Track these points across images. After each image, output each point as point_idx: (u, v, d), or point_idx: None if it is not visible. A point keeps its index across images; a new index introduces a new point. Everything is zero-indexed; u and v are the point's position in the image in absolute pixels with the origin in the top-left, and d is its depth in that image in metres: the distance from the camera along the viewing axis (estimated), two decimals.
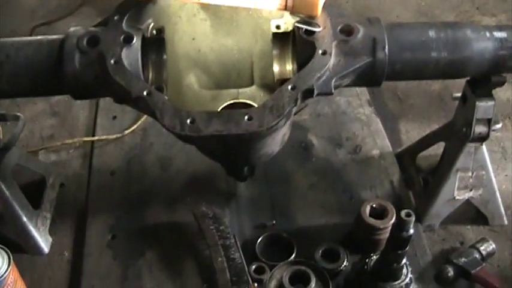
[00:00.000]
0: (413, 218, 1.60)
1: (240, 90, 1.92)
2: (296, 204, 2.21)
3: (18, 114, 2.04)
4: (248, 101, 1.87)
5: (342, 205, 2.21)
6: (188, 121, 1.56)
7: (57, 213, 2.22)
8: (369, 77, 1.75)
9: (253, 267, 1.96)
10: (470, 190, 2.08)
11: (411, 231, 1.64)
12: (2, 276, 1.65)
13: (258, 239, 2.04)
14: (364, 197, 2.22)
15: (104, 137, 2.47)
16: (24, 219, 2.02)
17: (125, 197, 2.24)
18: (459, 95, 2.02)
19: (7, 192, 1.96)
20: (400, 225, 1.63)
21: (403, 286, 1.81)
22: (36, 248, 2.09)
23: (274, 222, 2.13)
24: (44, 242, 2.10)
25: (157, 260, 2.03)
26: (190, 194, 2.22)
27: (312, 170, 2.34)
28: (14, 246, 2.01)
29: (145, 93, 1.59)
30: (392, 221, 1.93)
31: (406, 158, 2.35)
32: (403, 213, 1.61)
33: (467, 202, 2.13)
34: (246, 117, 1.55)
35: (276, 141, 1.83)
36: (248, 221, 2.15)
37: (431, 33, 1.77)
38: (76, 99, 1.77)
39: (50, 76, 1.71)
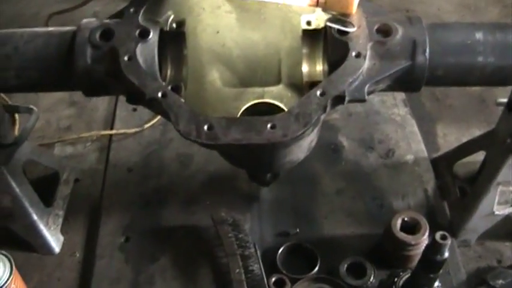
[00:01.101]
0: (449, 241, 1.45)
1: (266, 88, 1.77)
2: (322, 211, 2.08)
3: (32, 107, 1.93)
4: (274, 102, 1.71)
5: (370, 214, 2.07)
6: (205, 127, 1.43)
7: (70, 211, 2.12)
8: (407, 83, 1.59)
9: (273, 279, 1.84)
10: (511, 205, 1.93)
11: (446, 254, 1.49)
12: (3, 285, 1.55)
13: (279, 248, 1.92)
14: (396, 206, 2.08)
15: (123, 131, 2.35)
16: (35, 217, 1.93)
17: (141, 196, 2.13)
18: (504, 100, 1.84)
19: (17, 189, 1.86)
20: (434, 248, 1.48)
21: None
22: (46, 247, 1.99)
23: (297, 230, 2.00)
24: (54, 241, 2.00)
25: (171, 266, 1.92)
26: (210, 195, 2.10)
27: (340, 174, 2.20)
28: (24, 244, 1.97)
29: (159, 94, 1.46)
30: (425, 236, 1.79)
31: (442, 165, 2.19)
32: (438, 235, 1.46)
33: (507, 218, 1.96)
34: (269, 126, 1.41)
35: (302, 149, 1.69)
36: (270, 227, 2.02)
37: (478, 36, 1.59)
38: (87, 96, 1.65)
39: (60, 71, 1.59)
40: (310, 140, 1.67)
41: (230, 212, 1.96)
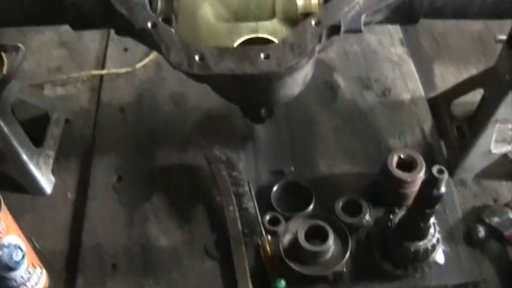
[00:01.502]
0: (446, 176, 1.42)
1: (260, 23, 1.69)
2: (318, 149, 2.05)
3: (19, 45, 1.88)
4: (268, 36, 1.65)
5: (367, 152, 2.04)
6: (197, 58, 1.38)
7: (61, 152, 2.08)
8: (405, 13, 1.54)
9: (267, 217, 1.82)
10: (509, 144, 1.90)
11: (442, 189, 1.46)
12: None
13: (274, 187, 1.89)
14: (392, 145, 2.05)
15: (114, 70, 2.30)
16: (25, 157, 1.89)
17: (134, 135, 2.09)
18: (504, 37, 1.80)
19: (6, 129, 1.81)
20: (431, 183, 1.45)
21: (429, 247, 1.65)
22: (37, 188, 1.96)
23: (292, 169, 1.97)
24: (46, 182, 1.97)
25: (165, 205, 1.90)
26: (204, 134, 2.07)
27: (336, 112, 2.16)
28: (16, 185, 1.95)
29: (149, 24, 1.41)
30: (422, 174, 1.76)
31: (439, 104, 2.16)
32: (434, 169, 1.43)
33: (505, 156, 1.94)
34: (262, 55, 1.38)
35: (297, 82, 1.65)
36: (265, 166, 1.99)
37: None
38: (75, 30, 1.60)
39: (47, 2, 1.53)
40: (304, 73, 1.63)
41: (224, 150, 1.93)
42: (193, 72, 1.39)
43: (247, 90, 1.59)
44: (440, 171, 1.42)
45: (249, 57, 1.38)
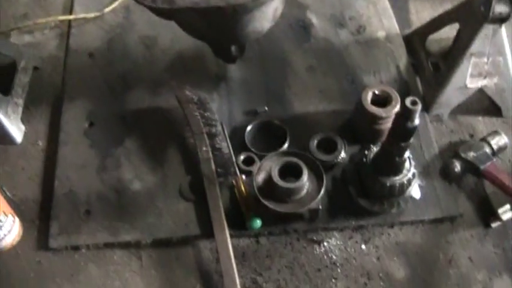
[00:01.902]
0: (419, 107, 1.40)
1: None
2: (292, 88, 2.01)
3: None
4: None
5: (342, 90, 2.01)
6: None
7: (30, 100, 2.03)
8: None
9: (242, 157, 1.80)
10: (485, 78, 1.87)
11: (416, 121, 1.44)
12: None
13: (248, 127, 1.87)
14: (367, 82, 2.02)
15: (82, 15, 2.23)
16: None
17: (104, 80, 2.04)
18: None
19: None
20: (405, 115, 1.43)
21: (405, 181, 1.64)
22: (7, 138, 1.91)
23: (266, 108, 1.93)
24: (15, 130, 1.92)
25: (137, 149, 1.86)
26: (176, 76, 2.03)
27: (311, 51, 2.12)
28: None
29: None
30: (396, 109, 1.73)
31: (415, 40, 2.12)
32: (408, 100, 1.40)
33: (480, 91, 1.92)
34: None
35: (266, 16, 1.61)
36: (238, 106, 1.96)
37: None
38: None
39: None
40: (274, 7, 1.59)
41: (196, 90, 1.90)
42: (156, 7, 1.35)
43: (215, 25, 1.55)
44: (414, 103, 1.40)
45: None
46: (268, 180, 1.63)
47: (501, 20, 1.75)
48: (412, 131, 1.48)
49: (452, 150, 1.85)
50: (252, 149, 1.82)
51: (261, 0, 1.38)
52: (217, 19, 1.48)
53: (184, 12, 1.37)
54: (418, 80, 2.05)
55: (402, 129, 1.47)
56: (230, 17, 1.48)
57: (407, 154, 1.59)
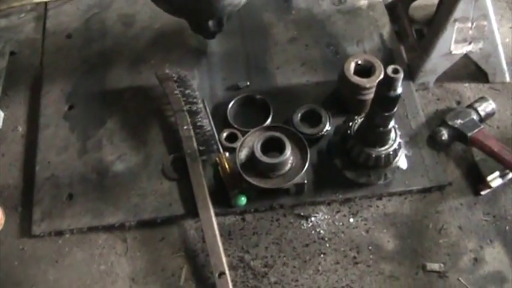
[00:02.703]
0: (401, 75, 1.36)
1: None
2: (274, 62, 1.97)
3: None
4: None
5: (325, 61, 1.97)
6: None
7: (8, 85, 1.99)
8: None
9: (224, 134, 1.77)
10: (470, 43, 1.84)
11: (399, 90, 1.41)
12: None
13: (230, 103, 1.83)
14: (351, 52, 1.98)
15: None
16: None
17: (83, 61, 2.00)
18: None
19: None
20: (387, 83, 1.40)
21: (391, 152, 1.61)
22: None
23: (248, 83, 1.90)
24: None
25: (119, 129, 1.83)
26: (156, 54, 1.99)
27: (292, 22, 2.08)
28: None
29: None
30: (380, 79, 1.70)
31: (398, 7, 2.08)
32: (389, 69, 1.37)
33: (466, 57, 1.88)
34: None
35: None
36: (220, 82, 1.92)
37: None
38: None
39: None
40: None
41: (175, 68, 1.86)
42: None
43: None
44: (396, 71, 1.37)
45: None
46: (251, 156, 1.60)
47: None
48: (395, 100, 1.44)
49: (440, 118, 1.82)
50: (235, 125, 1.78)
51: None
52: None
53: None
54: (402, 48, 2.01)
55: (385, 99, 1.44)
56: None
57: (392, 124, 1.56)
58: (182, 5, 1.58)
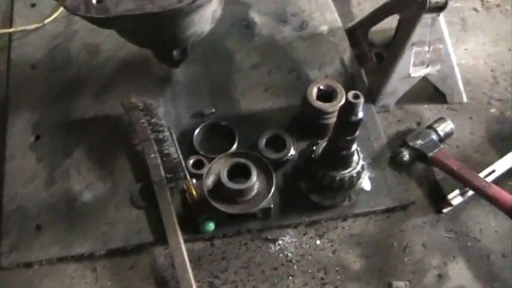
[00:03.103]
0: (361, 100, 1.40)
1: None
2: (238, 88, 2.01)
3: None
4: None
5: (288, 86, 2.01)
6: (94, 1, 1.33)
7: None
8: None
9: (191, 161, 1.79)
10: (427, 66, 1.90)
11: (360, 114, 1.45)
12: None
13: (195, 130, 1.86)
14: (313, 77, 2.03)
15: (22, 28, 2.18)
16: None
17: (48, 91, 2.00)
18: None
19: None
20: (348, 109, 1.43)
21: (354, 174, 1.65)
22: None
23: (213, 110, 1.92)
24: None
25: (86, 159, 1.84)
26: (121, 83, 2.00)
27: (254, 49, 2.12)
28: None
29: None
30: (342, 103, 1.74)
31: (357, 33, 2.14)
32: (350, 94, 1.41)
33: (425, 79, 1.95)
34: None
35: (205, 19, 1.60)
36: (185, 109, 1.94)
37: None
38: None
39: None
40: (212, 9, 1.58)
41: (141, 96, 1.88)
42: (91, 16, 1.33)
43: (154, 31, 1.54)
44: (356, 96, 1.40)
45: None
46: (218, 182, 1.62)
47: (439, 8, 1.78)
48: (356, 124, 1.48)
49: (401, 139, 1.87)
50: (201, 152, 1.81)
51: (197, 3, 1.36)
52: (154, 25, 1.47)
53: (120, 19, 1.35)
54: (363, 71, 2.06)
55: (347, 123, 1.47)
56: (168, 22, 1.47)
57: (354, 147, 1.60)
58: (146, 36, 1.60)
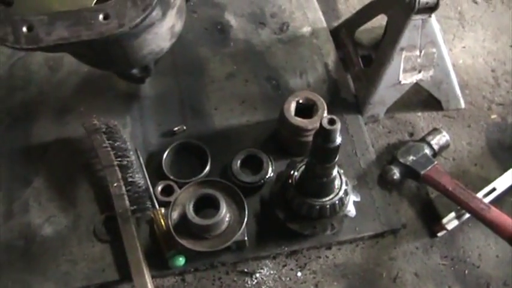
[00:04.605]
0: (338, 126, 1.23)
1: None
2: (211, 101, 1.84)
3: None
4: None
5: (266, 97, 1.84)
6: (24, 29, 1.17)
7: None
8: None
9: (159, 187, 1.64)
10: (419, 71, 1.72)
11: (338, 140, 1.27)
12: None
13: (164, 152, 1.69)
14: (293, 85, 1.86)
15: None
16: None
17: (6, 112, 1.84)
18: None
19: None
20: (323, 136, 1.26)
21: (336, 201, 1.48)
22: None
23: (184, 127, 1.76)
24: None
25: (46, 188, 1.69)
26: (84, 100, 1.84)
27: (229, 55, 1.94)
28: None
29: None
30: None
31: (343, 33, 1.96)
32: (324, 120, 1.23)
33: (417, 85, 1.76)
34: (101, 16, 1.18)
35: (162, 37, 1.43)
36: (153, 128, 1.78)
37: None
38: None
39: None
40: (169, 25, 1.41)
41: (105, 115, 1.72)
42: (21, 47, 1.17)
43: (102, 55, 1.37)
44: (332, 122, 1.23)
45: (86, 19, 1.18)
46: (185, 216, 1.46)
47: (429, 9, 1.60)
48: (334, 152, 1.31)
49: (391, 153, 1.71)
50: (171, 177, 1.65)
51: (144, 24, 1.20)
52: (98, 49, 1.31)
53: (56, 48, 1.19)
54: (349, 77, 1.89)
55: (323, 151, 1.31)
56: (114, 46, 1.30)
57: (335, 172, 1.43)
58: (98, 61, 1.44)
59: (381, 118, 1.81)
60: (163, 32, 1.41)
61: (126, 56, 1.40)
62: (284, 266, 1.58)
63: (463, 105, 1.83)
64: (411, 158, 1.65)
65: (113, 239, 1.59)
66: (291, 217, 1.55)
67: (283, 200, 1.56)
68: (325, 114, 1.58)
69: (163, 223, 1.57)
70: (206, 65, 1.92)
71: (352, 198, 1.57)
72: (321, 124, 1.24)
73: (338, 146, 1.29)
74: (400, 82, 1.72)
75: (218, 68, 1.91)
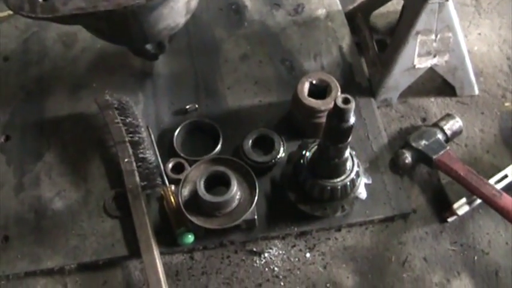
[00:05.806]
0: (352, 105, 1.22)
1: None
2: (225, 81, 1.83)
3: None
4: None
5: (280, 79, 1.83)
6: None
7: None
8: None
9: (170, 165, 1.63)
10: (434, 56, 1.71)
11: (351, 120, 1.27)
12: None
13: (176, 130, 1.69)
14: (307, 67, 1.85)
15: None
16: None
17: (20, 87, 1.85)
18: None
19: None
20: (337, 115, 1.26)
21: (348, 183, 1.48)
22: None
23: (196, 106, 1.76)
24: None
25: (58, 163, 1.69)
26: (98, 77, 1.85)
27: (244, 37, 1.94)
28: None
29: None
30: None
31: (358, 17, 1.94)
32: (339, 99, 1.23)
33: (432, 70, 1.75)
34: None
35: (178, 11, 1.42)
36: (166, 106, 1.78)
37: None
38: None
39: None
40: (185, 0, 1.40)
41: (118, 92, 1.72)
42: (36, 16, 1.17)
43: (118, 28, 1.37)
44: (346, 101, 1.23)
45: None
46: (195, 193, 1.46)
47: None
48: (348, 131, 1.31)
49: (403, 138, 1.70)
50: (182, 154, 1.65)
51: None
52: (116, 21, 1.30)
53: (71, 19, 1.19)
54: (363, 61, 1.88)
55: (336, 130, 1.30)
56: (132, 19, 1.30)
57: (347, 153, 1.43)
58: (110, 33, 1.43)
59: (394, 103, 1.80)
60: (180, 6, 1.41)
61: (141, 30, 1.40)
62: (293, 246, 1.57)
63: (477, 91, 1.82)
64: (423, 142, 1.64)
65: (123, 215, 1.59)
66: (301, 198, 1.55)
67: (294, 181, 1.55)
68: (339, 95, 1.57)
69: (173, 200, 1.57)
70: (220, 46, 1.91)
71: (364, 180, 1.56)
72: (335, 103, 1.23)
73: (351, 126, 1.29)
74: (414, 66, 1.71)
75: (232, 49, 1.90)
